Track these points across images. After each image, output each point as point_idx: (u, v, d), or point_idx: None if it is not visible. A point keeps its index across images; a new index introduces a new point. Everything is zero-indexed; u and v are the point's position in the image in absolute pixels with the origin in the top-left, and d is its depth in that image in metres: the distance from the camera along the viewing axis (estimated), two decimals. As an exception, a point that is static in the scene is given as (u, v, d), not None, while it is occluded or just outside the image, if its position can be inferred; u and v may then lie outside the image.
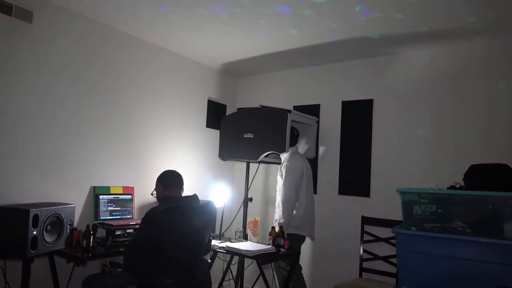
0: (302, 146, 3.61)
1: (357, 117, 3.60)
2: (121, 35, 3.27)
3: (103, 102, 3.14)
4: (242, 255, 2.79)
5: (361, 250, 3.31)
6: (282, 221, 3.12)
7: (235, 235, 3.29)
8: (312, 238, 3.47)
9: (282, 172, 3.26)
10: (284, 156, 3.33)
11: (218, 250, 2.85)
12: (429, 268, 2.35)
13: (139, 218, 3.11)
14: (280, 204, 3.20)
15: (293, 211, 3.20)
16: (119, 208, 3.06)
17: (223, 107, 4.36)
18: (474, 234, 2.25)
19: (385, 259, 3.20)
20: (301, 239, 3.28)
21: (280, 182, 3.27)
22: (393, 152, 3.38)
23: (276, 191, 3.38)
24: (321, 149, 3.81)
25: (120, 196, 3.09)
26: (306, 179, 3.29)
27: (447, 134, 3.13)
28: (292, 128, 3.41)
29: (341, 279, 3.14)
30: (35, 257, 2.46)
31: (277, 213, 3.24)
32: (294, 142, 3.43)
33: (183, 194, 2.41)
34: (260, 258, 2.67)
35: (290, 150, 3.32)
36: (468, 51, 3.11)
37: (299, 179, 3.23)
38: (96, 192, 2.97)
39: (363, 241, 3.33)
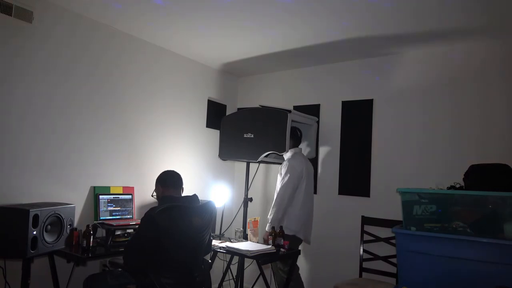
0: (302, 146, 3.61)
1: (357, 117, 3.60)
2: (121, 35, 3.27)
3: (104, 102, 3.14)
4: (242, 255, 2.79)
5: (361, 250, 3.31)
6: (270, 216, 3.13)
7: (235, 235, 3.29)
8: (308, 242, 3.43)
9: (281, 172, 3.26)
10: (286, 156, 3.33)
11: (218, 250, 2.85)
12: (429, 268, 2.35)
13: (139, 218, 3.11)
14: (274, 201, 3.21)
15: (283, 210, 3.18)
16: (119, 208, 3.06)
17: (223, 107, 4.36)
18: (474, 234, 2.25)
19: (385, 259, 3.20)
20: (298, 241, 3.27)
21: (279, 180, 3.27)
22: (393, 152, 3.38)
23: (275, 191, 3.38)
24: (321, 149, 3.81)
25: (120, 196, 3.09)
26: (306, 181, 3.28)
27: (447, 134, 3.13)
28: (295, 129, 3.41)
29: (341, 279, 3.14)
30: (35, 257, 2.46)
31: None
32: (297, 142, 3.42)
33: (183, 194, 2.41)
34: (260, 258, 2.67)
35: (293, 151, 3.32)
36: (468, 51, 3.11)
37: (297, 180, 3.22)
38: (96, 192, 2.97)
39: (363, 241, 3.33)
